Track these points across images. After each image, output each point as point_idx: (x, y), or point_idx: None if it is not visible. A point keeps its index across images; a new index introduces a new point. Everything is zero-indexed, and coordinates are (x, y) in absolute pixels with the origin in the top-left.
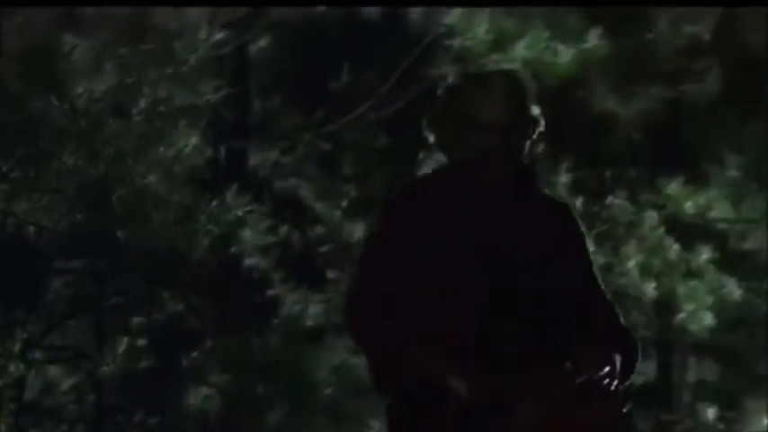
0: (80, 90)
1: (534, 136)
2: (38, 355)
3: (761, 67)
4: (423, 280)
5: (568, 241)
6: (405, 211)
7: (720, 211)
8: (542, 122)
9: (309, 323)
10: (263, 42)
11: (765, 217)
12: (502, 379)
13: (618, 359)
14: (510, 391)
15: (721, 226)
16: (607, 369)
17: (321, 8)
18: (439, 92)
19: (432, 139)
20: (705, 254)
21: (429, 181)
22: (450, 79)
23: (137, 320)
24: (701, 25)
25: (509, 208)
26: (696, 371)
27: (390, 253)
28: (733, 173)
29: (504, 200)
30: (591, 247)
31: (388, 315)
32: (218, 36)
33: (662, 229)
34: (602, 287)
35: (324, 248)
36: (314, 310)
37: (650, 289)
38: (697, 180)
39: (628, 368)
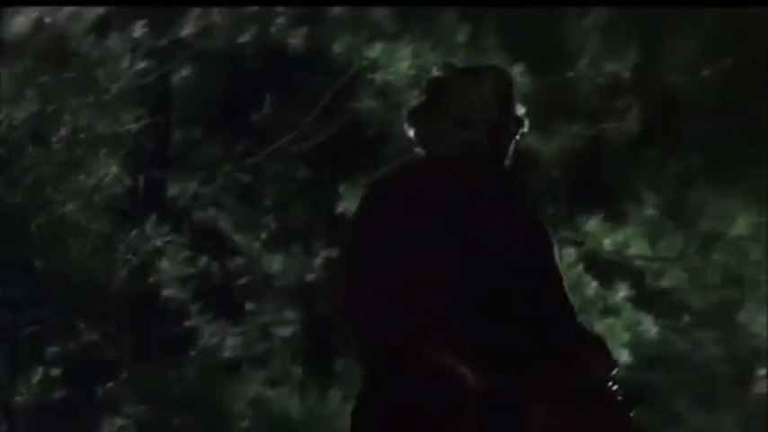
0: (0, 117)
1: (518, 136)
2: None
3: (680, 105)
4: (412, 273)
5: (546, 248)
6: (392, 200)
7: (638, 248)
8: (526, 123)
9: (227, 355)
10: (185, 72)
11: (682, 255)
12: (517, 377)
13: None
14: (525, 389)
15: (638, 263)
16: (615, 371)
17: (246, 39)
18: (424, 85)
19: (411, 132)
20: (622, 291)
21: (412, 172)
22: (437, 72)
23: (52, 350)
24: (621, 63)
25: (496, 207)
26: None
27: (379, 241)
28: (651, 211)
29: (491, 198)
30: None
31: (384, 301)
32: (141, 65)
33: (580, 266)
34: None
35: (242, 280)
36: (231, 342)
37: None
38: (616, 218)
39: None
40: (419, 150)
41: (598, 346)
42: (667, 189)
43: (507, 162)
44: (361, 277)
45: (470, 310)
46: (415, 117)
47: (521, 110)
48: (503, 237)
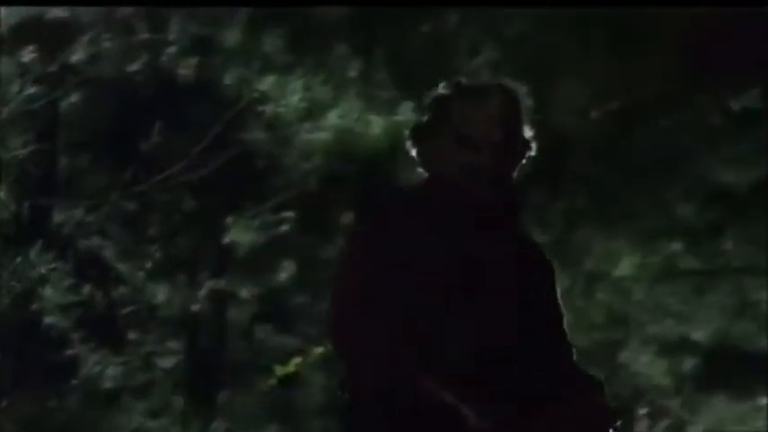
0: None
1: (524, 160)
2: None
3: (568, 146)
4: (410, 304)
5: (543, 281)
6: (389, 224)
7: None
8: (533, 145)
9: (108, 385)
10: (74, 98)
11: (566, 294)
12: (518, 420)
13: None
14: (525, 428)
15: None
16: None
17: (136, 68)
18: (428, 101)
19: (413, 152)
20: None
21: (412, 195)
22: (443, 89)
23: None
24: None
25: (495, 232)
26: None
27: (377, 270)
28: None
29: (491, 223)
30: None
31: (383, 335)
32: (30, 90)
33: None
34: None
35: (126, 309)
36: (113, 372)
37: None
38: None
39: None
40: (420, 171)
41: (598, 392)
42: (553, 228)
43: (511, 185)
44: (359, 308)
45: (472, 346)
46: (418, 136)
47: (528, 131)
48: (499, 264)
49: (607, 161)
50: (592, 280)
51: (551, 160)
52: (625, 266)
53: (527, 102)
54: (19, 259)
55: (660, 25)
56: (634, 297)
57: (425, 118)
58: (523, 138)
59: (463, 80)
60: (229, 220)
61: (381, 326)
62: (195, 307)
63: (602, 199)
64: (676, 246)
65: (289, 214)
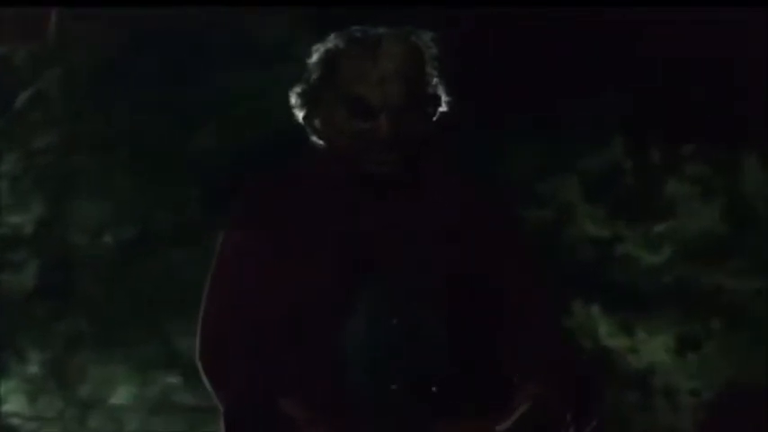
0: None
1: (434, 117)
2: None
3: (78, 266)
4: (283, 309)
5: (477, 236)
6: (262, 216)
7: (15, 405)
8: (444, 99)
9: None
10: None
11: (60, 416)
12: None
13: (566, 405)
14: None
15: (14, 421)
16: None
17: None
18: (315, 56)
19: (301, 116)
20: None
21: (294, 174)
22: (330, 41)
23: None
24: (26, 216)
25: (390, 210)
26: None
27: (246, 273)
28: (34, 369)
29: (384, 199)
30: None
31: (249, 354)
32: None
33: None
34: (542, 288)
35: None
36: None
37: None
38: None
39: (581, 412)
40: (315, 141)
41: (536, 383)
42: (53, 349)
43: (418, 152)
44: (221, 320)
45: (354, 362)
46: (303, 101)
47: (436, 84)
48: (394, 248)
49: (114, 286)
50: (86, 406)
51: (58, 279)
52: (121, 395)
53: (433, 50)
54: None
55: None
56: (127, 428)
57: (311, 77)
58: (429, 93)
59: (355, 30)
60: None
61: (245, 342)
62: None
63: (104, 324)
64: (173, 379)
65: None
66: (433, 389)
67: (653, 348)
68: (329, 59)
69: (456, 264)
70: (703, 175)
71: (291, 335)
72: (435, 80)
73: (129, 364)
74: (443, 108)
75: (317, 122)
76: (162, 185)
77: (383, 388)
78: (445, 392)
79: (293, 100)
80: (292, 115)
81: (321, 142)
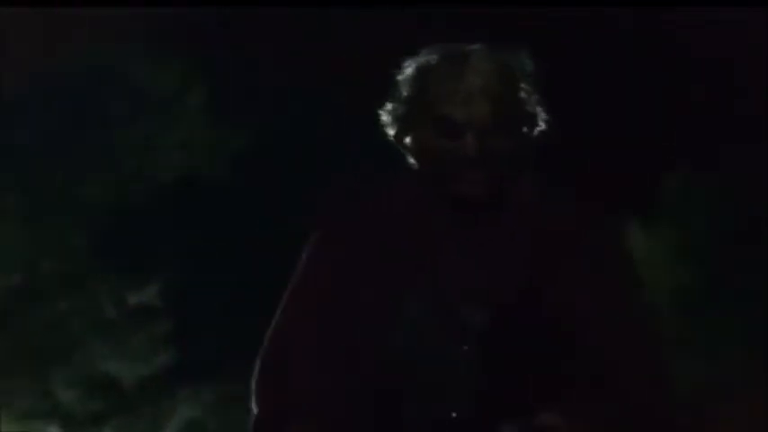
0: None
1: (530, 137)
2: None
3: None
4: (347, 340)
5: (560, 270)
6: (344, 242)
7: None
8: (542, 117)
9: None
10: None
11: None
12: None
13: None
14: None
15: None
16: None
17: None
18: (405, 73)
19: (391, 135)
20: None
21: (382, 195)
22: (423, 57)
23: None
24: None
25: (470, 235)
26: None
27: (322, 300)
28: None
29: (469, 223)
30: None
31: (295, 384)
32: None
33: None
34: (631, 325)
35: None
36: None
37: None
38: None
39: None
40: (410, 160)
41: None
42: None
43: (510, 173)
44: (283, 346)
45: (412, 389)
46: (394, 116)
47: (532, 102)
48: (470, 281)
49: None
50: None
51: None
52: None
53: (528, 66)
54: None
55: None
56: None
57: (401, 95)
58: (524, 111)
59: (446, 47)
60: None
61: (298, 375)
62: None
63: None
64: (54, 429)
65: None
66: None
67: None
68: (418, 76)
69: (515, 295)
70: None
71: (350, 366)
72: (531, 98)
73: (10, 415)
74: (542, 127)
75: (407, 141)
76: (48, 233)
77: (443, 416)
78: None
79: (384, 117)
80: (176, 169)
81: (413, 161)
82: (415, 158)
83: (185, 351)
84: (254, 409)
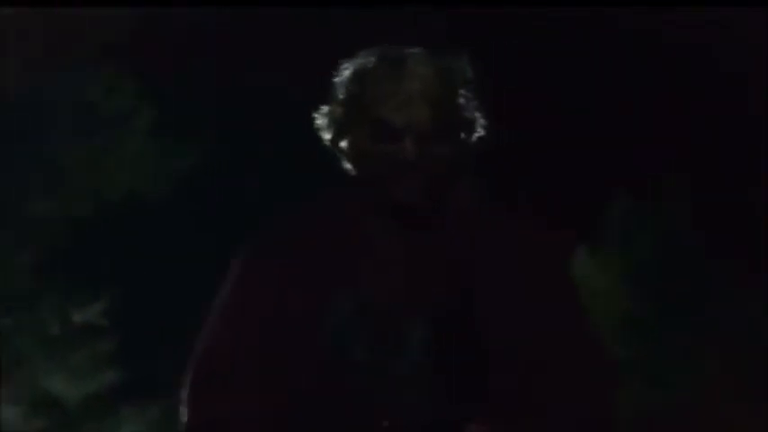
0: None
1: (468, 142)
2: None
3: None
4: (280, 353)
5: (497, 282)
6: (279, 255)
7: None
8: (480, 123)
9: None
10: None
11: None
12: None
13: None
14: None
15: None
16: None
17: None
18: (342, 75)
19: (327, 139)
20: None
21: (321, 205)
22: (361, 60)
23: None
24: None
25: (408, 246)
26: None
27: (254, 309)
28: None
29: (407, 230)
30: None
31: (231, 390)
32: None
33: None
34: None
35: None
36: None
37: None
38: None
39: None
40: (346, 165)
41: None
42: None
43: (448, 180)
44: (217, 356)
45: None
46: (330, 119)
47: (470, 107)
48: (404, 291)
49: None
50: None
51: None
52: None
53: (467, 72)
54: None
55: None
56: None
57: (337, 97)
58: (463, 117)
59: (384, 49)
60: None
61: (232, 388)
62: None
63: None
64: None
65: None
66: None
67: None
68: (356, 79)
69: (449, 303)
70: None
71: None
72: (469, 104)
73: None
74: (480, 133)
75: (343, 145)
76: None
77: (374, 425)
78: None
79: (318, 121)
80: (123, 187)
81: (349, 166)
82: (352, 163)
83: (130, 369)
84: (184, 417)
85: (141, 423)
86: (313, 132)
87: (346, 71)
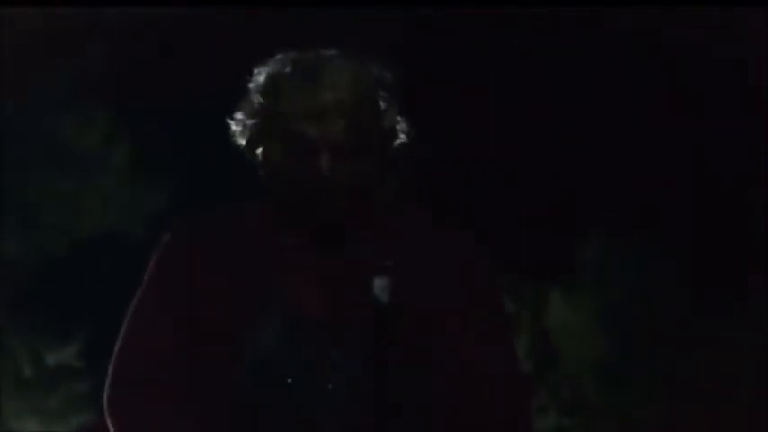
0: None
1: (389, 152)
2: None
3: None
4: (196, 360)
5: (423, 301)
6: (188, 259)
7: None
8: (402, 129)
9: None
10: None
11: None
12: None
13: None
14: None
15: None
16: None
17: None
18: (255, 81)
19: (242, 147)
20: None
21: (231, 216)
22: (274, 65)
23: None
24: None
25: (328, 266)
26: None
27: (165, 314)
28: None
29: (323, 253)
30: None
31: (150, 404)
32: None
33: None
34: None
35: None
36: None
37: None
38: None
39: None
40: (259, 171)
41: None
42: None
43: (368, 193)
44: (132, 364)
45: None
46: (243, 126)
47: (391, 115)
48: (325, 306)
49: None
50: None
51: None
52: None
53: (386, 78)
54: None
55: None
56: None
57: (252, 104)
58: (382, 125)
59: (298, 54)
60: None
61: (150, 393)
62: None
63: None
64: None
65: None
66: None
67: None
68: (269, 88)
69: (369, 320)
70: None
71: (201, 386)
72: (389, 110)
73: None
74: (402, 139)
75: (258, 153)
76: None
77: None
78: None
79: (232, 127)
80: (97, 226)
81: (264, 174)
82: (266, 174)
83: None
84: (111, 428)
85: None
86: None
87: (260, 77)
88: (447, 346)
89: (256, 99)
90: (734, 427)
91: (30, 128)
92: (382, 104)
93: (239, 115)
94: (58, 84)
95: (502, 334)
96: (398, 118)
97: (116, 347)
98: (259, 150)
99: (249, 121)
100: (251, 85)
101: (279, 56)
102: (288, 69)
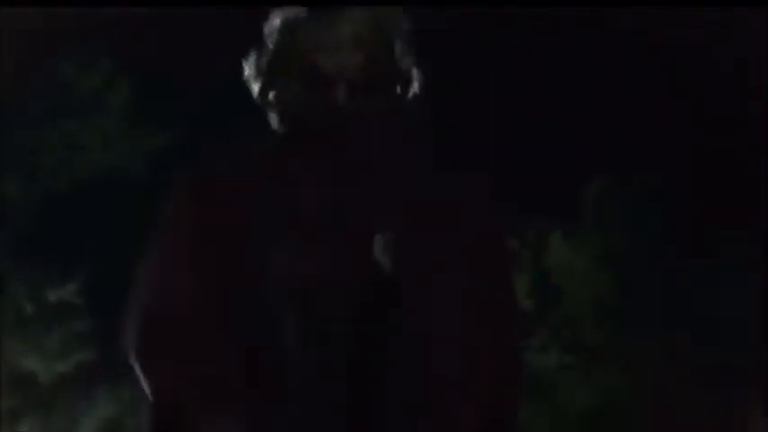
0: None
1: (406, 95)
2: None
3: None
4: (226, 310)
5: (428, 260)
6: (207, 204)
7: None
8: (417, 78)
9: None
10: None
11: None
12: None
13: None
14: None
15: None
16: None
17: None
18: (271, 24)
19: (255, 90)
20: None
21: (247, 160)
22: (293, 9)
23: None
24: None
25: (336, 210)
26: None
27: (188, 260)
28: None
29: (338, 189)
30: None
31: (183, 348)
32: None
33: None
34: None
35: None
36: None
37: None
38: None
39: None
40: (272, 116)
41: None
42: None
43: (376, 127)
44: (159, 313)
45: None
46: (258, 70)
47: (407, 61)
48: (350, 263)
49: None
50: None
51: None
52: None
53: (404, 24)
54: None
55: None
56: None
57: (266, 46)
58: (398, 69)
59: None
60: None
61: (181, 339)
62: None
63: None
64: None
65: None
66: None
67: None
68: (285, 26)
69: (379, 289)
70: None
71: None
72: (406, 56)
73: None
74: (416, 89)
75: (271, 96)
76: None
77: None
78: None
79: (246, 71)
80: (97, 166)
81: (276, 118)
82: (279, 117)
83: (104, 348)
84: (147, 387)
85: (114, 402)
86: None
87: (276, 20)
88: (447, 328)
89: (272, 38)
90: (730, 363)
91: (33, 71)
92: (399, 47)
93: (254, 57)
94: (64, 28)
95: (505, 315)
96: (414, 67)
97: (138, 294)
98: (272, 94)
99: (265, 61)
100: (266, 27)
101: (294, 8)
102: (305, 10)
